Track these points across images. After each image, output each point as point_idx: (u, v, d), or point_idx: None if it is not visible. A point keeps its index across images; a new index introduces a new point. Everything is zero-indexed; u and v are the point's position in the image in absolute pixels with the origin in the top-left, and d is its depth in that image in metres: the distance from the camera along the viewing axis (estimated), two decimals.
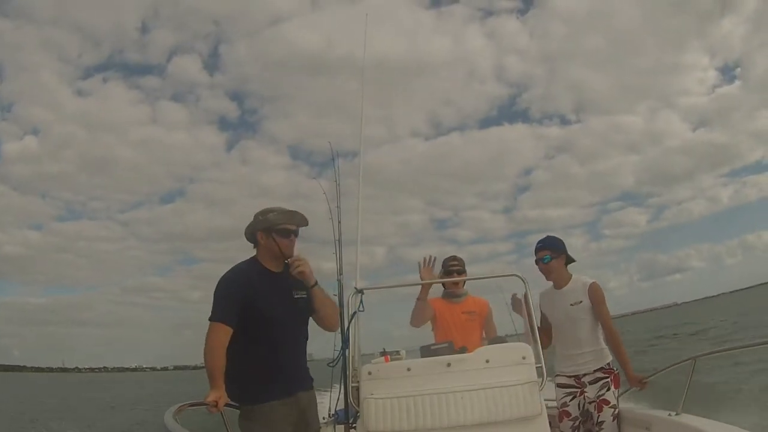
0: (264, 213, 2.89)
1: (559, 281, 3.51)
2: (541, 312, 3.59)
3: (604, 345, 3.42)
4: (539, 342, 3.49)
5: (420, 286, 3.68)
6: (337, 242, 3.86)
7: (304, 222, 2.94)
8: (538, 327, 3.50)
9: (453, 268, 3.85)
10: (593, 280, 3.45)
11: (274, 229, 2.84)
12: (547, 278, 3.54)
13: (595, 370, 3.36)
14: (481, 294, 4.01)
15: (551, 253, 3.50)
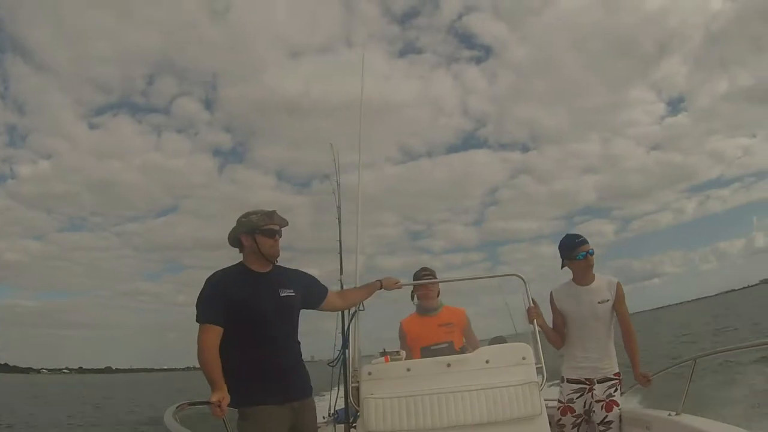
0: (246, 216, 2.88)
1: (588, 278, 3.43)
2: (557, 309, 3.49)
3: (614, 350, 3.39)
4: (553, 342, 3.49)
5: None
6: (339, 243, 3.90)
7: (284, 222, 2.93)
8: (552, 325, 3.48)
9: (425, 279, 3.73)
10: (618, 279, 3.43)
11: (258, 230, 2.83)
12: (584, 274, 3.42)
13: (606, 375, 3.34)
14: (481, 294, 4.01)
15: (591, 247, 3.40)
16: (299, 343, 2.93)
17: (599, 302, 3.36)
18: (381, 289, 3.34)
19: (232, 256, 2.93)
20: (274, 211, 2.89)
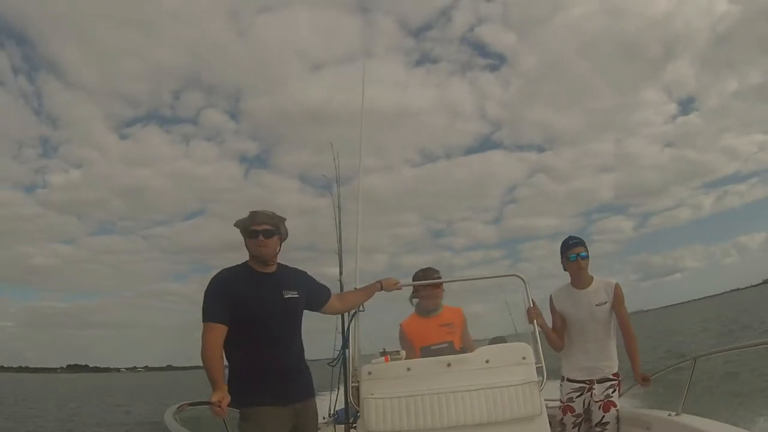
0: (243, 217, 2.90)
1: (585, 281, 3.45)
2: (557, 311, 3.52)
3: (615, 351, 3.41)
4: (553, 344, 3.49)
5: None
6: (339, 243, 3.90)
7: (268, 219, 2.83)
8: (552, 328, 3.49)
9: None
10: (616, 281, 3.44)
11: (244, 232, 2.85)
12: (578, 276, 3.45)
13: (605, 375, 3.35)
14: (482, 294, 4.01)
15: (586, 250, 3.44)
16: (302, 344, 2.93)
17: (597, 304, 3.38)
18: (381, 290, 3.35)
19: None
20: (256, 212, 2.85)
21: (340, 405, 3.34)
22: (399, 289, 3.47)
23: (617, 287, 3.41)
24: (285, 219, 2.94)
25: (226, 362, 2.74)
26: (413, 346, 3.49)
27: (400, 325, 3.72)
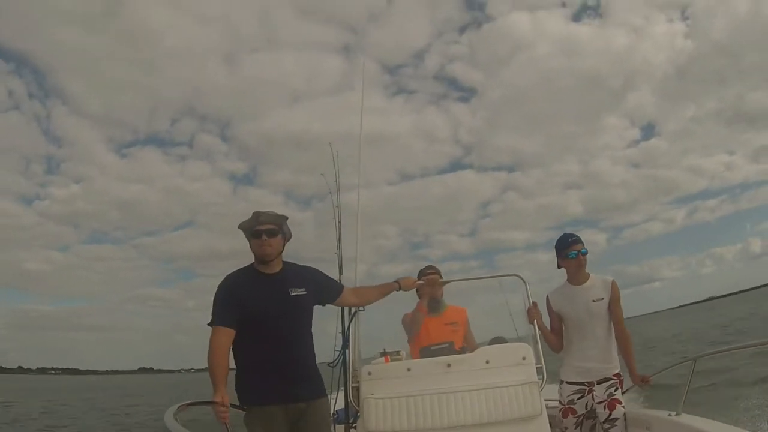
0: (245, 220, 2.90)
1: (581, 277, 3.43)
2: (554, 311, 3.49)
3: (615, 350, 3.37)
4: (552, 345, 3.48)
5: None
6: (338, 242, 3.90)
7: (271, 219, 2.84)
8: (550, 329, 3.47)
9: (431, 276, 3.73)
10: (612, 278, 3.41)
11: (248, 233, 2.85)
12: (576, 273, 3.42)
13: (605, 376, 3.32)
14: (482, 294, 4.01)
15: (584, 246, 3.40)
16: (312, 343, 2.92)
17: (593, 300, 3.34)
18: (399, 290, 3.32)
19: (239, 265, 2.94)
20: (258, 212, 2.85)
21: (340, 405, 3.33)
22: (417, 287, 3.49)
23: (614, 285, 3.39)
24: (287, 218, 2.93)
25: (233, 365, 2.75)
26: (417, 339, 3.54)
27: (405, 314, 3.75)
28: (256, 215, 2.83)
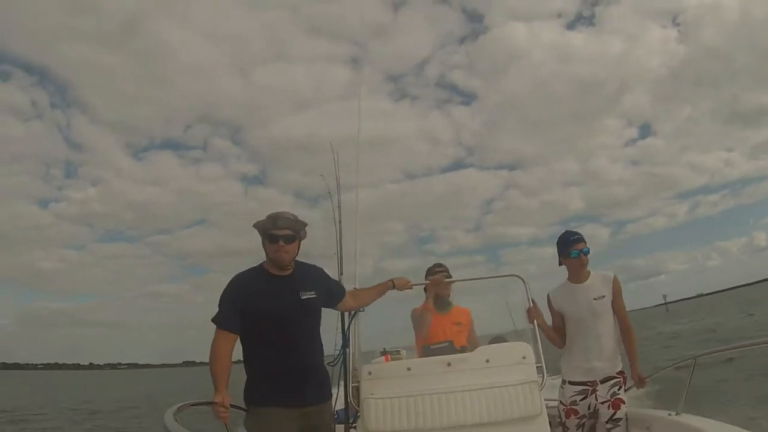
0: (263, 219, 2.82)
1: (582, 276, 3.41)
2: (555, 310, 3.48)
3: (618, 348, 3.36)
4: (554, 341, 3.47)
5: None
6: (338, 242, 3.90)
7: (290, 224, 2.75)
8: (552, 327, 3.47)
9: (439, 274, 3.75)
10: (614, 273, 3.39)
11: (263, 234, 2.78)
12: (577, 272, 3.41)
13: (608, 374, 3.30)
14: (482, 294, 4.01)
15: (587, 245, 3.38)
16: (321, 345, 2.91)
17: (595, 298, 3.32)
18: (393, 289, 3.33)
19: (250, 262, 2.92)
20: (277, 215, 2.75)
21: (340, 405, 3.33)
22: (410, 288, 3.47)
23: (615, 280, 3.37)
24: (306, 224, 2.85)
25: (241, 365, 2.76)
26: (425, 336, 3.56)
27: (413, 310, 3.76)
28: (274, 218, 2.74)
